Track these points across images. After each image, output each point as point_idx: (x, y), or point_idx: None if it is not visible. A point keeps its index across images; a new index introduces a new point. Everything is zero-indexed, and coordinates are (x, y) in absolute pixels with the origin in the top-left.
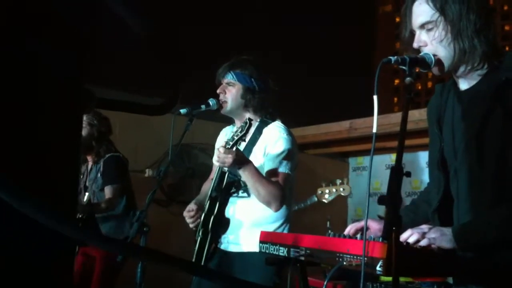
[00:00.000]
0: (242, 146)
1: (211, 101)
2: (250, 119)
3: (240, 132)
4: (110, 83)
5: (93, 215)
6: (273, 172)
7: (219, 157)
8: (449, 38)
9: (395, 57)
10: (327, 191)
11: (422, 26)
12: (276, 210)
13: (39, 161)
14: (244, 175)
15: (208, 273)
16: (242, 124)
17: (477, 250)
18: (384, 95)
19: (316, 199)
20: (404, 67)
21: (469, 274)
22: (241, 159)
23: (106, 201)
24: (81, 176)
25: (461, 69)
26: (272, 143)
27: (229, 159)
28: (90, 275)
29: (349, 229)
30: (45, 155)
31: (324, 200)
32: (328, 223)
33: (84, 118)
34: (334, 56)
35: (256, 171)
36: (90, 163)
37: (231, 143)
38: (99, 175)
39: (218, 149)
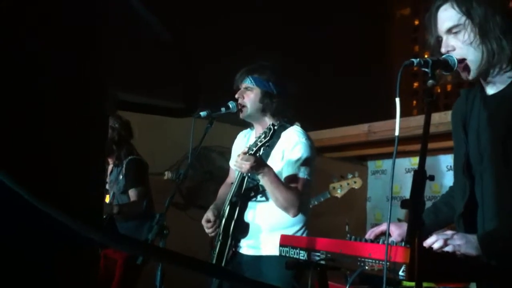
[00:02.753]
0: (261, 150)
1: (231, 104)
2: (273, 125)
3: (264, 138)
4: (125, 86)
5: (113, 216)
6: (292, 178)
7: (237, 162)
8: (478, 40)
9: (418, 59)
10: (339, 185)
11: (449, 31)
12: (294, 216)
13: (46, 161)
14: (263, 181)
15: (231, 276)
16: (266, 130)
17: (503, 257)
18: (402, 98)
19: (328, 195)
20: (426, 69)
21: (493, 280)
22: (260, 166)
23: (133, 204)
24: None
25: (489, 72)
26: (290, 148)
27: (246, 165)
28: (111, 277)
29: (369, 234)
30: (56, 156)
31: (336, 195)
32: (347, 227)
33: None
34: (350, 59)
35: (275, 177)
36: (110, 166)
37: (254, 148)
38: (121, 177)
39: (238, 154)
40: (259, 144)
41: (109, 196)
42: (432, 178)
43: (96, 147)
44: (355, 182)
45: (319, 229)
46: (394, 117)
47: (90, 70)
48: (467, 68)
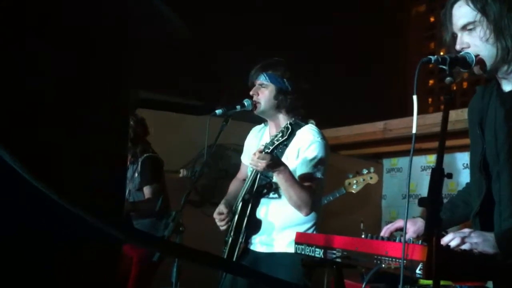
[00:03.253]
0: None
1: (246, 102)
2: (291, 124)
3: (281, 137)
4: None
5: (128, 214)
6: (306, 177)
7: (253, 160)
8: (493, 37)
9: (435, 56)
10: (354, 181)
11: (463, 28)
12: (306, 215)
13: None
14: (278, 179)
15: (244, 271)
16: (283, 129)
17: None
18: (418, 95)
19: (344, 190)
20: (444, 67)
21: (510, 279)
22: (276, 164)
23: (147, 201)
24: None
25: (504, 69)
26: (306, 146)
27: (262, 164)
28: (127, 275)
29: (384, 231)
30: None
31: (352, 191)
32: (361, 225)
33: None
34: (367, 57)
35: (290, 175)
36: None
37: (270, 147)
38: (136, 174)
39: (254, 153)
40: (276, 143)
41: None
42: (450, 176)
43: (99, 147)
44: (371, 178)
45: (334, 227)
46: (409, 114)
47: (90, 71)
48: (481, 63)
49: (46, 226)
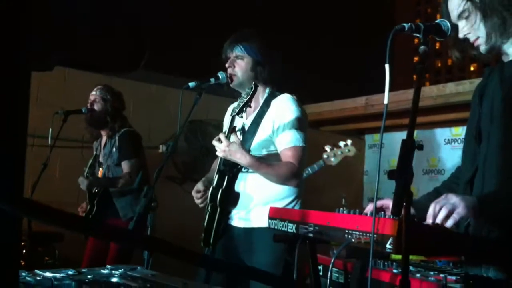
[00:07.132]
0: (250, 119)
1: (221, 74)
2: (255, 85)
3: (246, 97)
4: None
5: (107, 190)
6: (284, 144)
7: (217, 147)
8: (482, 19)
9: (409, 24)
10: (332, 154)
11: (460, 17)
12: (296, 186)
13: None
14: (252, 169)
15: (216, 265)
16: (247, 90)
17: (500, 220)
18: (404, 70)
19: (323, 163)
20: (418, 35)
21: (482, 254)
22: (236, 153)
23: (125, 175)
24: (95, 151)
25: (507, 44)
26: (280, 114)
27: (220, 153)
28: (107, 247)
29: (368, 208)
30: None
31: (330, 163)
32: (343, 200)
33: (97, 93)
34: (350, 31)
35: (259, 162)
36: (104, 138)
37: (237, 110)
38: (114, 149)
39: (217, 138)
40: (241, 104)
41: (103, 169)
42: (420, 147)
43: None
44: (348, 150)
45: (317, 204)
46: (392, 90)
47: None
48: (477, 44)
49: None
